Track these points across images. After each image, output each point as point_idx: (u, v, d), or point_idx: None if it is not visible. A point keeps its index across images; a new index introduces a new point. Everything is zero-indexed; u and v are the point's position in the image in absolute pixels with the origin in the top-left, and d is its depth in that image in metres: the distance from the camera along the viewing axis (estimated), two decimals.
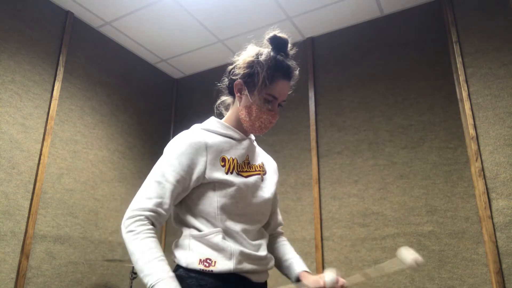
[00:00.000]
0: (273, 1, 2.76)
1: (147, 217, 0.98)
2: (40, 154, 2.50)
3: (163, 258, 0.95)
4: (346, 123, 2.80)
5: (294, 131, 3.02)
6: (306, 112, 2.99)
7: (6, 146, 2.34)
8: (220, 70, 3.60)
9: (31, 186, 2.43)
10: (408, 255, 0.98)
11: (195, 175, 1.04)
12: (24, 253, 2.30)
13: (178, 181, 1.02)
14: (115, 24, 3.05)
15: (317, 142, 2.87)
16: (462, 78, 2.36)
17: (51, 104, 2.62)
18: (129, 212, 0.99)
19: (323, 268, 2.56)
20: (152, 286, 0.89)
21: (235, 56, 1.18)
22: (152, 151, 3.43)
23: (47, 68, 2.66)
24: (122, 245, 2.97)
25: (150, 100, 3.56)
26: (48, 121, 2.58)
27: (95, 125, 2.95)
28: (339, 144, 2.78)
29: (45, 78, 2.64)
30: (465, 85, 2.34)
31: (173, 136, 3.70)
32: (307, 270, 1.19)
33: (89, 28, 3.05)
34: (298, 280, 1.17)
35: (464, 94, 2.32)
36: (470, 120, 2.26)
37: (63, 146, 2.68)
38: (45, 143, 2.53)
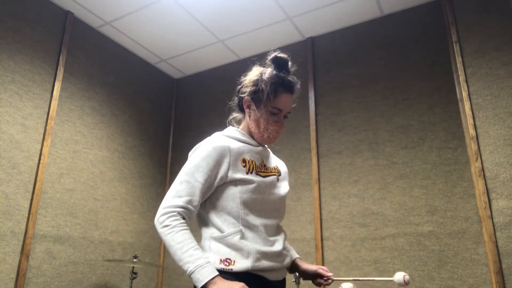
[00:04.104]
0: (273, 1, 2.76)
1: (179, 213, 1.11)
2: (40, 154, 2.50)
3: (198, 247, 1.08)
4: (346, 123, 2.80)
5: (294, 131, 3.01)
6: (306, 112, 2.99)
7: (6, 146, 2.34)
8: (220, 70, 3.65)
9: (31, 186, 2.43)
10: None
11: (219, 175, 1.17)
12: (24, 253, 2.30)
13: (205, 180, 1.15)
14: (115, 24, 3.05)
15: (317, 142, 2.87)
16: (462, 78, 2.36)
17: (51, 104, 2.62)
18: (161, 209, 1.11)
19: None
20: (192, 272, 1.02)
21: (241, 77, 1.33)
22: (152, 151, 3.43)
23: (47, 68, 2.66)
24: (122, 245, 2.97)
25: (150, 100, 3.55)
26: (48, 121, 2.58)
27: (95, 125, 2.95)
28: (339, 144, 2.78)
29: (45, 78, 2.64)
30: (465, 85, 2.34)
31: (173, 136, 3.71)
32: (299, 257, 1.41)
33: (89, 28, 3.05)
34: (294, 264, 1.37)
35: (464, 94, 2.32)
36: (470, 120, 2.26)
37: (63, 146, 2.68)
38: (45, 143, 2.52)
